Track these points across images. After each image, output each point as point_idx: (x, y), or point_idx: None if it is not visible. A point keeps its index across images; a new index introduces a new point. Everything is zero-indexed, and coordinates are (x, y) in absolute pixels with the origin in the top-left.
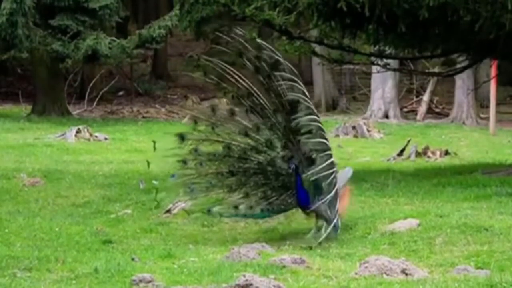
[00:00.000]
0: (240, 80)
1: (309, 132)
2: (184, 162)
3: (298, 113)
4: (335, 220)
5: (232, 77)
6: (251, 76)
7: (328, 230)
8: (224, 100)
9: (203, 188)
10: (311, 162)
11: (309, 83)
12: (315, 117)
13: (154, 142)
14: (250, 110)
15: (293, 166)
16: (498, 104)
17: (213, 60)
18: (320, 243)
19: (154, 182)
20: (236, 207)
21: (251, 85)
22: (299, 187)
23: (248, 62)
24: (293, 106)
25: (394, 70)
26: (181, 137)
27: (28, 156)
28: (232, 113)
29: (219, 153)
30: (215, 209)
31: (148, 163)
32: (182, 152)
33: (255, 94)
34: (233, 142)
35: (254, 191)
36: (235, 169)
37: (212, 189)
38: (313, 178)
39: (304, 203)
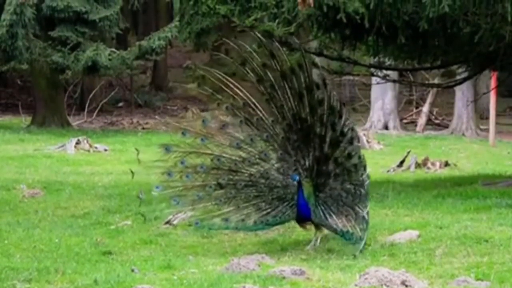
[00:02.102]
0: (237, 91)
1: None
2: (169, 174)
3: (344, 117)
4: (365, 235)
5: (228, 87)
6: (252, 86)
7: (364, 240)
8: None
9: (189, 201)
10: (365, 167)
11: None
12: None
13: (138, 150)
14: (244, 121)
15: (297, 178)
16: (497, 115)
17: (210, 70)
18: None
19: (154, 193)
20: (226, 219)
21: (248, 95)
22: (301, 199)
23: (250, 72)
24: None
25: (394, 81)
26: (166, 149)
27: (28, 167)
28: (223, 125)
29: (206, 166)
30: (204, 222)
31: (133, 173)
32: (168, 164)
33: (252, 105)
34: (223, 155)
35: (245, 204)
36: (225, 182)
37: (199, 202)
38: (367, 183)
39: (306, 215)
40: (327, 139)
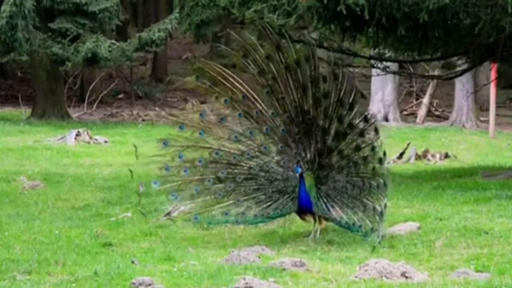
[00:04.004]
0: (236, 84)
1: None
2: (166, 169)
3: (356, 109)
4: (380, 227)
5: (227, 80)
6: (252, 79)
7: (380, 231)
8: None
9: (188, 196)
10: (381, 160)
11: None
12: None
13: (135, 146)
14: (244, 114)
15: (299, 170)
16: (497, 107)
17: (209, 62)
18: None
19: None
20: (226, 213)
21: (248, 88)
22: (303, 192)
23: (252, 64)
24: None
25: (394, 73)
26: (164, 144)
27: (28, 159)
28: (221, 118)
29: (204, 159)
30: (204, 216)
31: (131, 172)
32: (166, 158)
33: (251, 98)
34: (222, 148)
35: (245, 197)
36: (223, 175)
37: (198, 196)
38: (384, 175)
39: (307, 207)
40: (331, 132)
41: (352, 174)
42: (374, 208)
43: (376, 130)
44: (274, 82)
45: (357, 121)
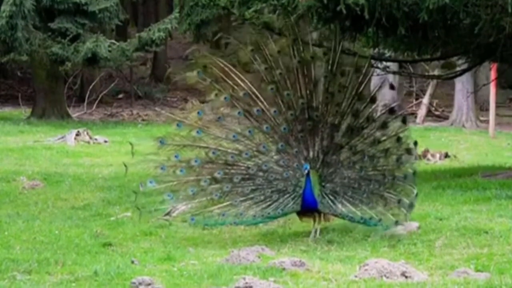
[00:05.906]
0: (238, 81)
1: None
2: (162, 168)
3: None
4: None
5: (230, 77)
6: (256, 76)
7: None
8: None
9: (183, 196)
10: (409, 150)
11: None
12: None
13: (132, 144)
14: (243, 113)
15: (308, 167)
16: (497, 107)
17: (213, 57)
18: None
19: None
20: (223, 214)
21: (250, 86)
22: (309, 189)
23: (258, 59)
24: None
25: (394, 73)
26: (161, 142)
27: (28, 159)
28: (219, 117)
29: (201, 159)
30: (199, 217)
31: (126, 166)
32: (161, 158)
33: (253, 96)
34: (219, 148)
35: (242, 198)
36: (220, 176)
37: (194, 197)
38: (412, 166)
39: (312, 206)
40: (342, 127)
41: (368, 169)
42: (399, 201)
43: (404, 121)
44: (281, 78)
45: (378, 114)
